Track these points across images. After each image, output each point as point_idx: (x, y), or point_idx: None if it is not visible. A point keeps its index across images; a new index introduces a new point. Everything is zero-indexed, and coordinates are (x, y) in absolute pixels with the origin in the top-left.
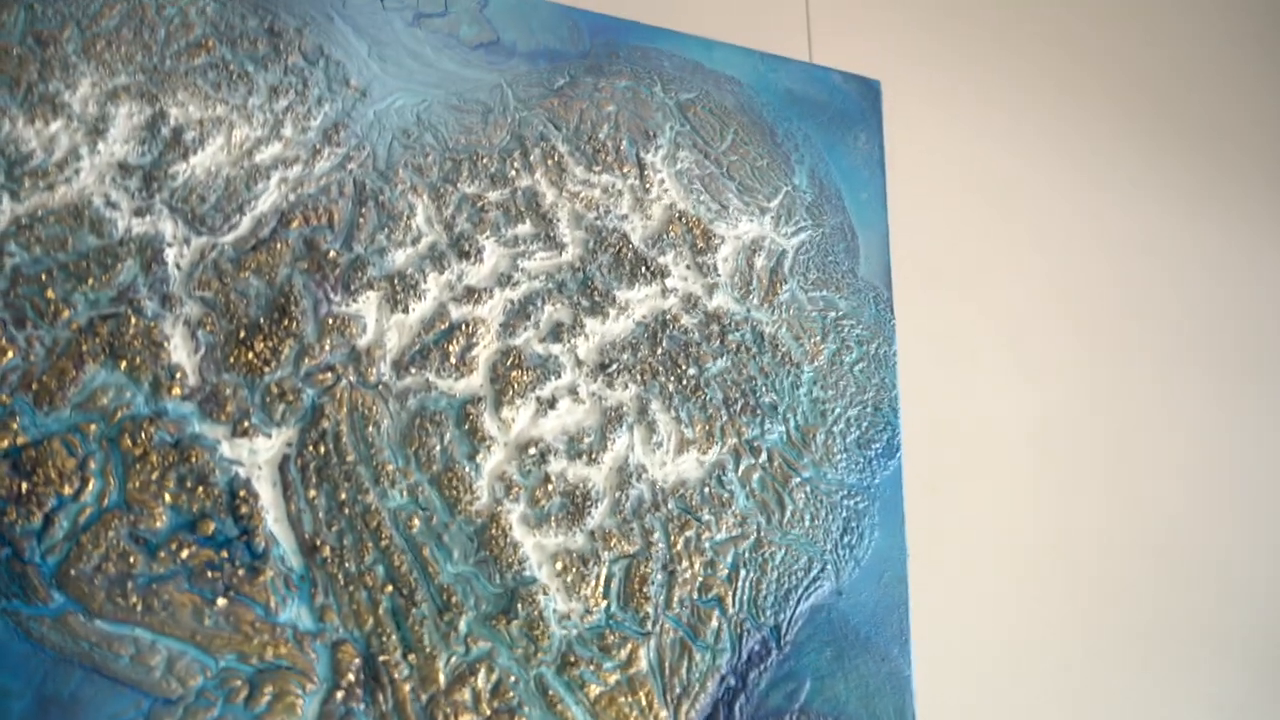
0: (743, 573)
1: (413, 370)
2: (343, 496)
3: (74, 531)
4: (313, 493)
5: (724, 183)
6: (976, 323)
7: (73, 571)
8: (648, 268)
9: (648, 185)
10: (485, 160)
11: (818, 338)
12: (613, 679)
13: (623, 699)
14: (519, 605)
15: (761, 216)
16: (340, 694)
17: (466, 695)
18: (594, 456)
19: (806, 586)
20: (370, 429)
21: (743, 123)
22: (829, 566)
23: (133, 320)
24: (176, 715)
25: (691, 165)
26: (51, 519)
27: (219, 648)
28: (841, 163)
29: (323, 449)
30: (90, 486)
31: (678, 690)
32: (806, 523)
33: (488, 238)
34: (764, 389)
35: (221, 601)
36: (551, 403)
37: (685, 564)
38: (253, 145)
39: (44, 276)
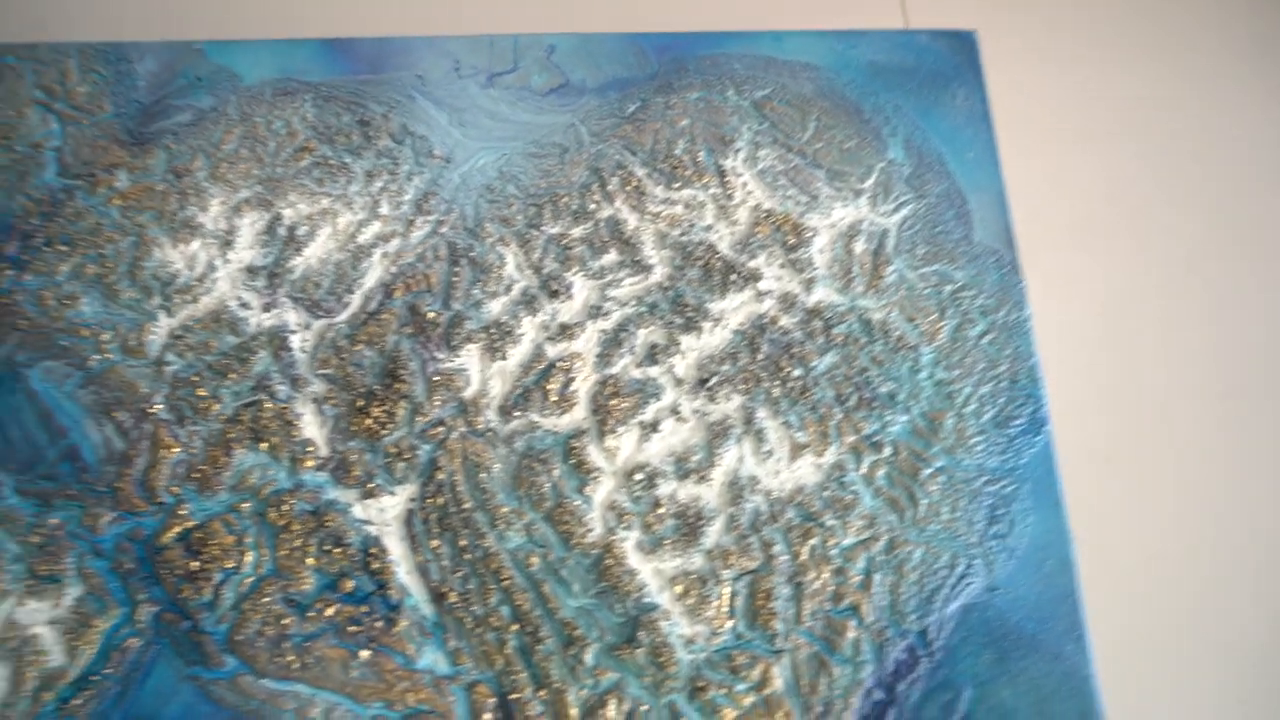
0: (877, 577)
1: (516, 413)
2: (463, 543)
3: (238, 601)
4: (435, 542)
5: (811, 172)
6: (1117, 274)
7: (239, 637)
8: (739, 274)
9: (730, 191)
10: (566, 199)
11: (934, 316)
12: (747, 701)
13: None
14: (642, 633)
15: (856, 199)
16: None
17: None
18: (703, 474)
19: (953, 585)
20: (482, 475)
21: (824, 107)
22: (977, 561)
23: (268, 405)
24: None
25: (774, 162)
26: (219, 591)
27: (367, 697)
28: (940, 126)
29: (441, 500)
30: (247, 558)
31: (819, 709)
32: (944, 516)
33: (575, 273)
34: (879, 379)
35: (365, 653)
36: (654, 426)
37: (812, 574)
38: (355, 228)
39: (195, 378)
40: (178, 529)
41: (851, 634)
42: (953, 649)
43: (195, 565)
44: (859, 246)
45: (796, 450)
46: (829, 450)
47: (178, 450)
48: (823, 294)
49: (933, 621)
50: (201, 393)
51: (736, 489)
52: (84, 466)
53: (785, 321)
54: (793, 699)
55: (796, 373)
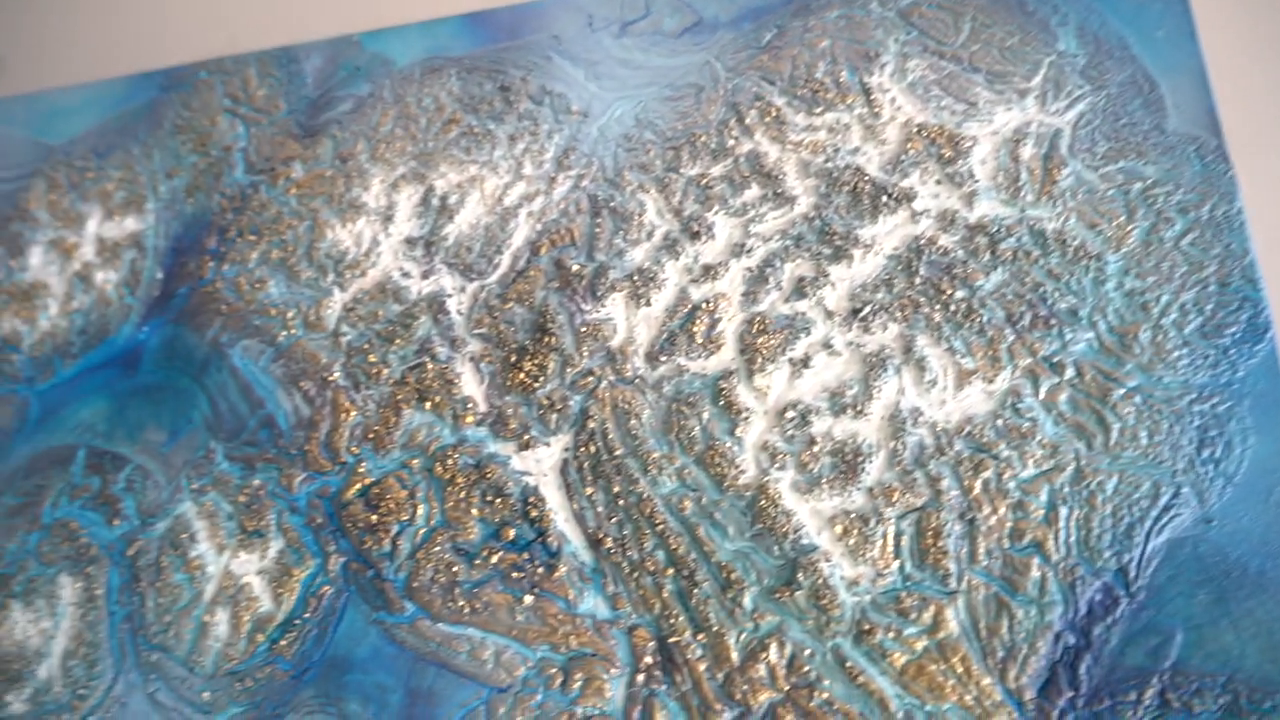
0: (1064, 511)
1: (663, 358)
2: (616, 489)
3: (413, 550)
4: (590, 490)
5: (968, 78)
6: None
7: (415, 584)
8: (890, 196)
9: (877, 110)
10: (703, 138)
11: (1121, 219)
12: (919, 646)
13: (934, 666)
14: (801, 575)
15: (1021, 101)
16: (641, 676)
17: (762, 671)
18: (860, 409)
19: (1156, 518)
20: (632, 422)
21: (980, 5)
22: (1185, 490)
23: (431, 366)
24: (508, 702)
25: (924, 72)
26: (396, 542)
27: (533, 640)
28: (1121, 5)
29: (593, 448)
30: (419, 511)
31: (1000, 653)
32: (1142, 441)
33: (716, 213)
34: (1057, 294)
35: (529, 598)
36: (805, 362)
37: (987, 510)
38: (501, 191)
39: (366, 346)
40: (358, 486)
41: (1035, 573)
42: (1159, 589)
43: (374, 519)
44: (1026, 152)
45: (964, 378)
46: (1001, 376)
47: (355, 414)
48: (986, 208)
49: (1133, 558)
50: (372, 359)
51: (897, 423)
52: (279, 433)
53: (945, 241)
54: (970, 643)
55: (960, 295)
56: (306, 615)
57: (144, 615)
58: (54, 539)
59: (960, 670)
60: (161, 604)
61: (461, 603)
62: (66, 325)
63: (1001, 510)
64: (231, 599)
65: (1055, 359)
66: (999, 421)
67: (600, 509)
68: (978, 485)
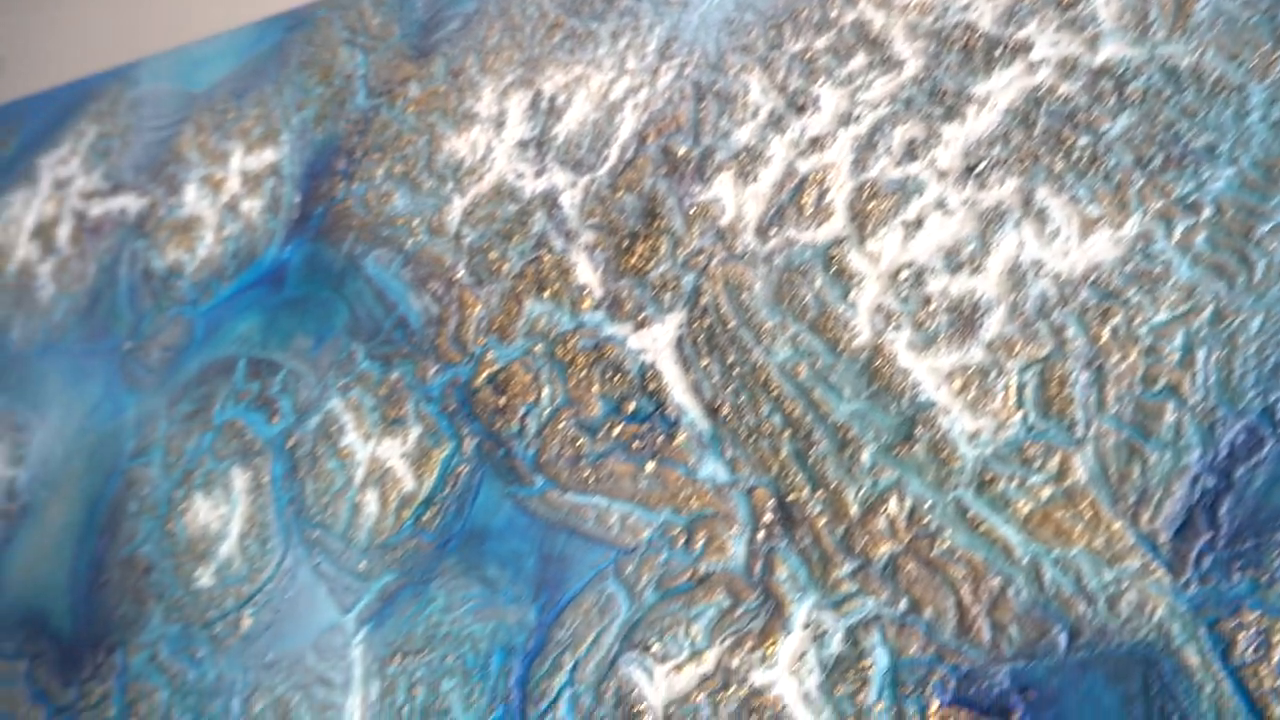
0: (1201, 353)
1: (773, 232)
2: (731, 360)
3: (539, 429)
4: (705, 361)
5: None
6: None
7: (544, 459)
8: (1005, 48)
9: None
10: (806, 13)
11: (1266, 46)
12: (1045, 493)
13: (1060, 513)
14: (919, 430)
15: None
16: (761, 534)
17: (881, 524)
18: (977, 264)
19: None
20: (744, 295)
21: None
22: None
23: (548, 258)
24: (634, 562)
25: None
26: (524, 422)
27: (656, 504)
28: None
29: (707, 322)
30: (544, 393)
31: (1131, 498)
32: None
33: (822, 85)
34: (1192, 132)
35: (650, 466)
36: (918, 223)
37: (1116, 356)
38: (607, 87)
39: (486, 244)
40: (486, 373)
41: (1170, 417)
42: None
43: (502, 402)
44: None
45: (1088, 226)
46: (1130, 221)
47: (479, 308)
48: (1112, 50)
49: None
50: (493, 256)
51: (1017, 276)
52: (412, 331)
53: (1065, 89)
54: (1099, 489)
55: (1083, 141)
56: (445, 492)
57: (304, 499)
58: (224, 437)
59: (1089, 515)
60: (319, 488)
61: (587, 473)
62: (220, 252)
63: (1132, 356)
64: (379, 481)
65: (1190, 199)
66: (1128, 267)
67: (716, 379)
68: (1105, 333)
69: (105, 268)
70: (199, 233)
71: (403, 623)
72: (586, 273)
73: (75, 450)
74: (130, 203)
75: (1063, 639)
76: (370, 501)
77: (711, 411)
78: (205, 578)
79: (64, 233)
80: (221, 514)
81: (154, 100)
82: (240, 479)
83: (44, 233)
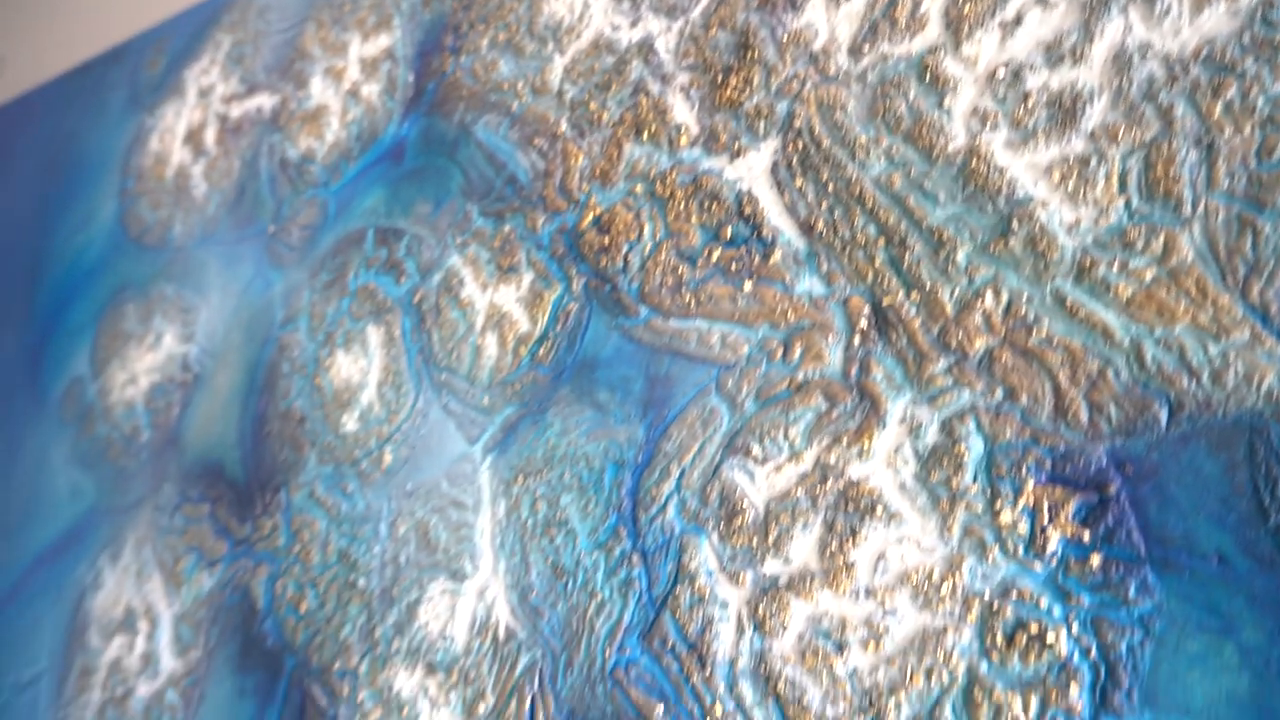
0: None
1: (866, 49)
2: (825, 177)
3: (642, 263)
4: (800, 182)
5: None
6: None
7: (647, 289)
8: None
9: None
10: None
11: None
12: (1148, 275)
13: (1164, 293)
14: (1016, 225)
15: None
16: (857, 339)
17: (977, 319)
18: (1079, 54)
19: None
20: (838, 114)
21: None
22: None
23: (645, 102)
24: (736, 375)
25: None
26: (627, 258)
27: (754, 321)
28: None
29: (801, 144)
30: (645, 229)
31: (1242, 271)
32: None
33: None
34: None
35: (748, 286)
36: (1017, 20)
37: (1228, 131)
38: None
39: (587, 97)
40: (591, 216)
41: None
42: None
43: (607, 241)
44: None
45: (1202, 1)
46: None
47: (582, 158)
48: None
49: None
50: (593, 107)
51: (1122, 61)
52: (521, 186)
53: None
54: (1206, 265)
55: None
56: (557, 329)
57: (432, 347)
58: (359, 300)
59: (1194, 292)
60: (443, 336)
61: (688, 299)
62: (346, 135)
63: (1247, 129)
64: (497, 325)
65: None
66: (1245, 38)
67: (811, 198)
68: (1218, 108)
69: (248, 162)
70: (326, 120)
71: (524, 448)
72: (683, 111)
73: (234, 324)
74: (265, 101)
75: (1163, 414)
76: (490, 344)
77: (807, 229)
78: (350, 423)
79: (210, 135)
80: (361, 367)
81: (278, 5)
82: (375, 335)
83: (194, 138)
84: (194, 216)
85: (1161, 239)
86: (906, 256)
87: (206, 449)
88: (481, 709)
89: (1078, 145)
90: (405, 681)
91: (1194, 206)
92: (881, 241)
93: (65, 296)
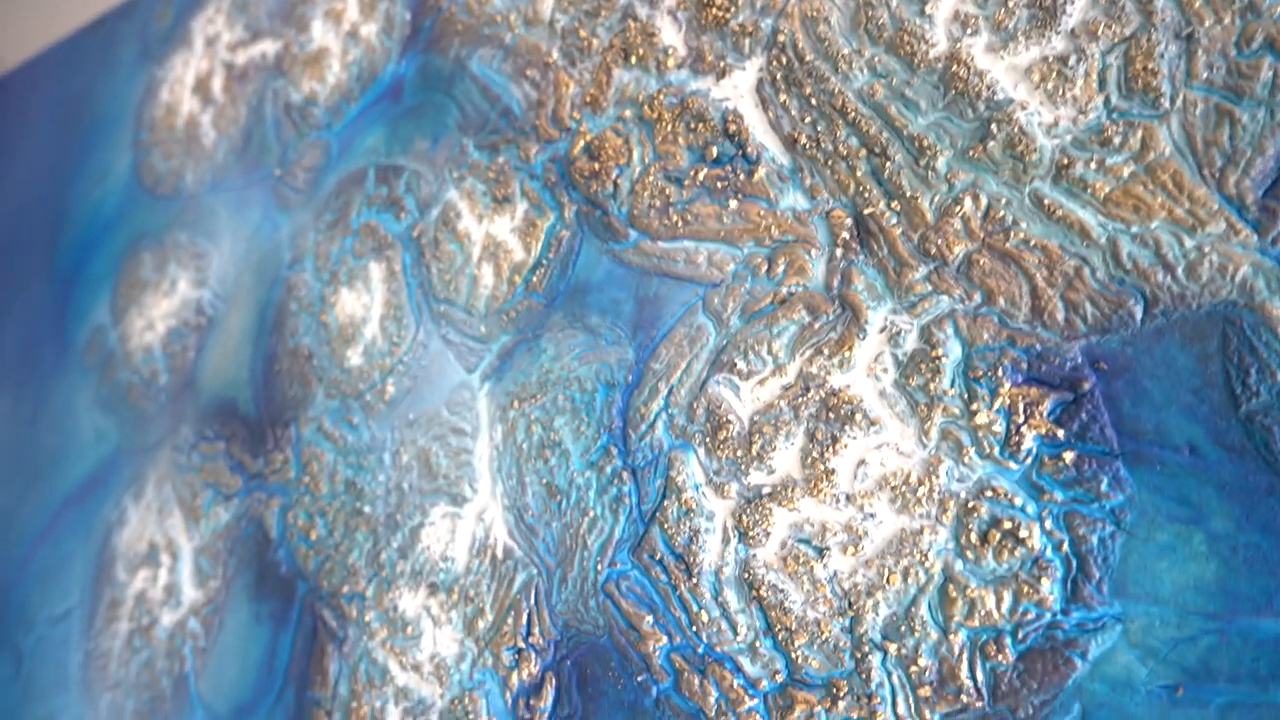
0: None
1: None
2: (808, 92)
3: (631, 187)
4: (784, 98)
5: None
6: None
7: (636, 212)
8: None
9: None
10: None
11: None
12: (1125, 171)
13: (1141, 188)
14: (995, 128)
15: None
16: (839, 251)
17: (956, 225)
18: None
19: None
20: (821, 27)
21: None
22: None
23: (633, 26)
24: (722, 293)
25: None
26: (617, 183)
27: (739, 238)
28: None
29: (785, 60)
30: (634, 153)
31: (1219, 162)
32: None
33: None
34: None
35: (734, 204)
36: None
37: (1209, 21)
38: None
39: (577, 24)
40: (581, 144)
41: (1266, 73)
42: None
43: (597, 167)
44: None
45: None
46: None
47: (573, 86)
48: None
49: None
50: (583, 34)
51: None
52: (515, 118)
53: None
54: (1183, 159)
55: None
56: (550, 256)
57: (431, 280)
58: (361, 238)
59: (1171, 186)
60: (442, 268)
61: (675, 220)
62: (346, 76)
63: (1227, 18)
64: (493, 255)
65: None
66: None
67: (794, 113)
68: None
69: (254, 108)
70: (327, 62)
71: (519, 374)
72: (670, 34)
73: (244, 268)
74: (268, 47)
75: (1138, 309)
76: (486, 274)
77: (790, 144)
78: (355, 357)
79: (218, 84)
80: (364, 302)
81: None
82: (377, 271)
83: (202, 87)
84: (204, 164)
85: (1139, 134)
86: (888, 166)
87: (221, 389)
88: (481, 625)
89: (1058, 45)
90: (409, 602)
91: (1172, 100)
92: (863, 153)
93: (86, 249)
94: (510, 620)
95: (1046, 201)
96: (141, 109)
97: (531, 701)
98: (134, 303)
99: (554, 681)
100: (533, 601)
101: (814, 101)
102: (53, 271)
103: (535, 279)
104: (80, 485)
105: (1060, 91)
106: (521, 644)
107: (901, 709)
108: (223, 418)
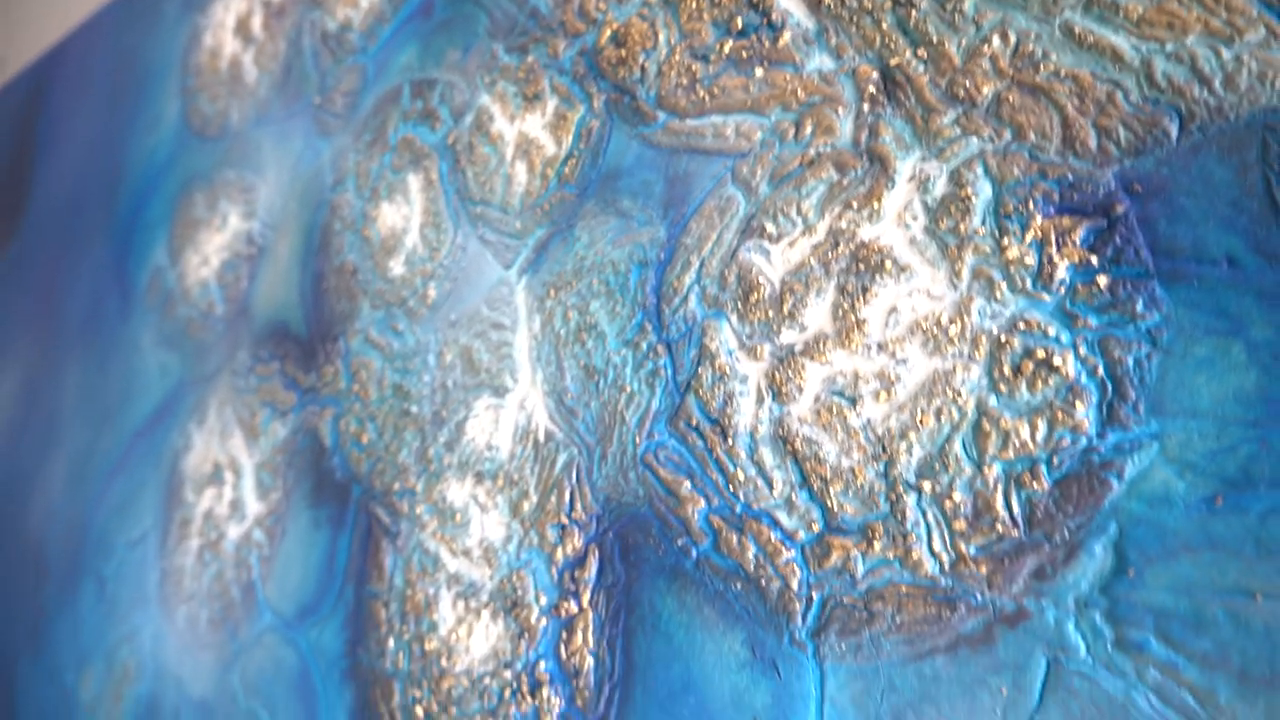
0: None
1: None
2: None
3: (658, 69)
4: None
5: None
6: None
7: (663, 93)
8: None
9: None
10: None
11: None
12: None
13: (1175, 4)
14: None
15: None
16: (866, 105)
17: (985, 65)
18: None
19: None
20: None
21: None
22: None
23: None
24: (750, 162)
25: None
26: (644, 67)
27: (766, 106)
28: None
29: None
30: (660, 36)
31: None
32: None
33: None
34: None
35: (759, 72)
36: None
37: None
38: None
39: None
40: (608, 33)
41: None
42: None
43: (624, 53)
44: None
45: None
46: None
47: None
48: None
49: None
50: None
51: None
52: (542, 17)
53: None
54: None
55: None
56: (581, 147)
57: (467, 185)
58: (399, 152)
59: None
60: (477, 171)
61: (702, 95)
62: None
63: None
64: (525, 152)
65: None
66: None
67: None
68: None
69: (292, 41)
70: None
71: (554, 264)
72: None
73: (290, 195)
74: None
75: (1174, 128)
76: (520, 171)
77: (814, 5)
78: (397, 267)
79: (257, 22)
80: (404, 214)
81: None
82: (415, 182)
83: (242, 27)
84: (247, 102)
85: None
86: (913, 15)
87: (273, 313)
88: (526, 507)
89: None
90: (457, 493)
91: None
92: (888, 4)
93: (142, 197)
94: (553, 499)
95: (1077, 30)
96: (187, 57)
97: (576, 574)
98: (189, 242)
99: (597, 553)
100: (575, 480)
101: None
102: (113, 226)
103: (567, 170)
104: (148, 418)
105: None
106: (565, 521)
107: (937, 545)
108: (276, 339)
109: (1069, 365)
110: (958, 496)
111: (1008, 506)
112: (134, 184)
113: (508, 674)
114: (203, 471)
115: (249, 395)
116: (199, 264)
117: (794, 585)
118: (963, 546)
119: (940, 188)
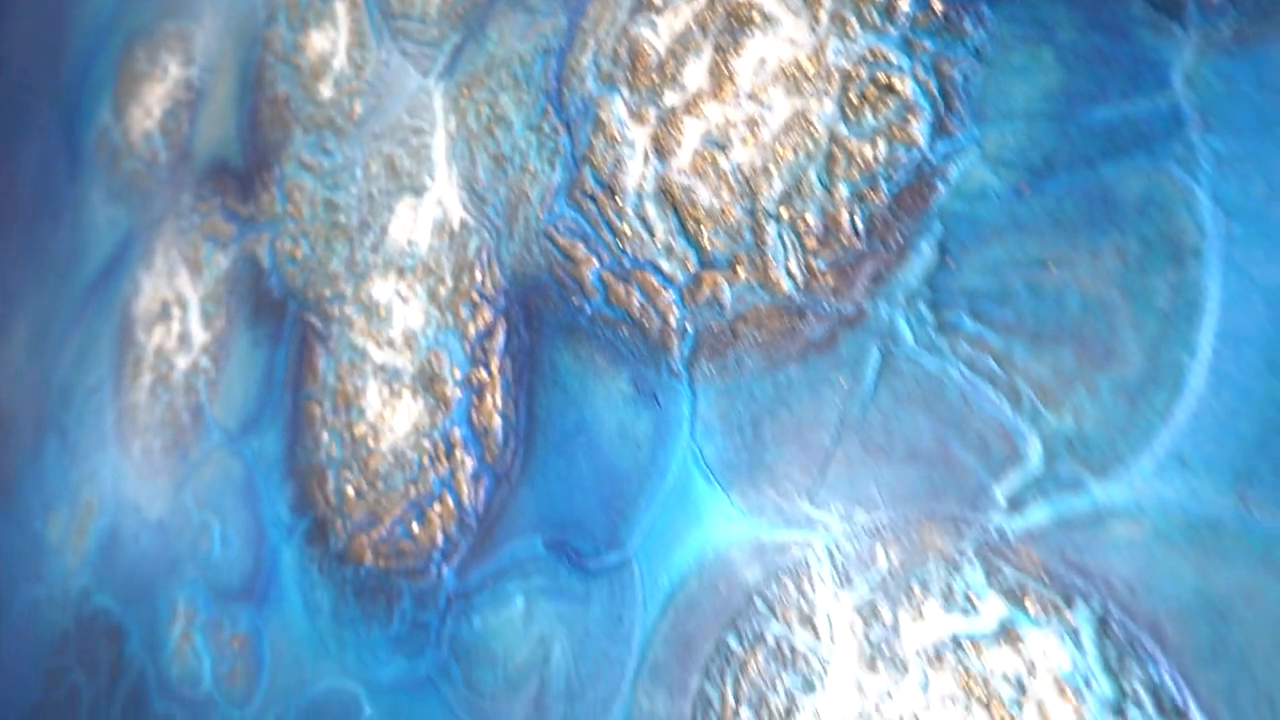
0: None
1: None
2: None
3: None
4: None
5: None
6: None
7: None
8: None
9: None
10: None
11: None
12: None
13: None
14: None
15: None
16: None
17: None
18: None
19: None
20: None
21: None
22: None
23: None
24: None
25: None
26: None
27: None
28: None
29: None
30: None
31: None
32: None
33: None
34: None
35: None
36: None
37: None
38: None
39: None
40: None
41: None
42: None
43: None
44: None
45: None
46: None
47: None
48: None
49: None
50: None
51: None
52: None
53: None
54: None
55: None
56: None
57: (389, 1)
58: None
59: None
60: None
61: None
62: None
63: None
64: None
65: None
66: None
67: None
68: None
69: None
70: None
71: (468, 65)
72: None
73: (224, 37)
74: None
75: None
76: None
77: None
78: (326, 90)
79: None
80: (331, 38)
81: None
82: (341, 6)
83: None
84: None
85: None
86: None
87: (213, 152)
88: (442, 292)
89: None
90: (382, 290)
91: None
92: None
93: (87, 58)
94: (465, 279)
95: None
96: None
97: (486, 345)
98: (132, 97)
99: (504, 324)
100: (485, 261)
101: None
102: (61, 88)
103: None
104: (100, 272)
105: None
106: (475, 298)
107: (792, 265)
108: (216, 177)
109: (907, 87)
110: (810, 219)
111: (851, 221)
112: (80, 45)
113: (426, 443)
114: (151, 311)
115: (192, 233)
116: (142, 116)
117: (672, 322)
118: (813, 262)
119: None
